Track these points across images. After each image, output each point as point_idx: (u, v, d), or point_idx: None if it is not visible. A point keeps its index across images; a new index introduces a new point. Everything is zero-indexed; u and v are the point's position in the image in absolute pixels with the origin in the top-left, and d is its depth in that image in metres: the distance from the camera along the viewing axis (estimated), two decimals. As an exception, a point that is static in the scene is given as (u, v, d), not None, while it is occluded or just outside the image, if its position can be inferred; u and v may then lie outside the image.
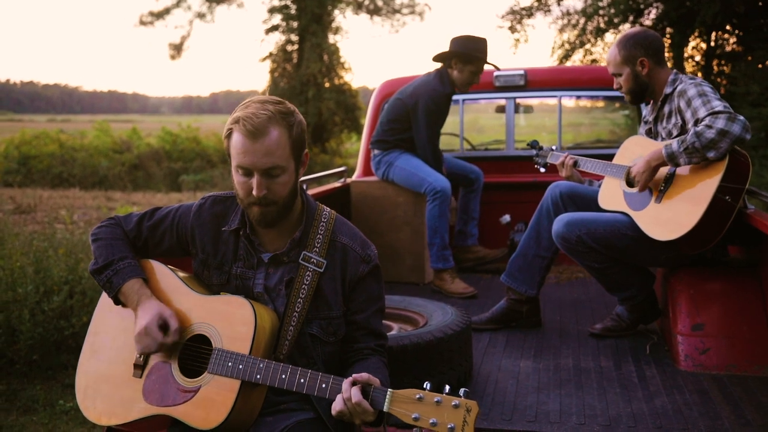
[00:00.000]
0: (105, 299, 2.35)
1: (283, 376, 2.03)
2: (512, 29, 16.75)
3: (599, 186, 3.91)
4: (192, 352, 2.20)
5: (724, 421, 2.81)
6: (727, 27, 14.00)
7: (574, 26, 15.82)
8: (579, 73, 6.56)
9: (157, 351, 2.18)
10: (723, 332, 3.44)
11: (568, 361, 3.53)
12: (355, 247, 2.27)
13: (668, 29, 14.15)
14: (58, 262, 5.93)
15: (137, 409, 2.20)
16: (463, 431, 1.83)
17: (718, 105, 3.30)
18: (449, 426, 1.83)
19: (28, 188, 18.51)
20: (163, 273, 2.32)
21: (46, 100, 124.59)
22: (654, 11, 14.46)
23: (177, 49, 27.81)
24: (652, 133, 3.82)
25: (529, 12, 16.63)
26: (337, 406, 1.95)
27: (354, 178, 5.70)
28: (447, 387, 1.88)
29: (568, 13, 15.98)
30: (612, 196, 3.76)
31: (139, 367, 2.22)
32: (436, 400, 1.85)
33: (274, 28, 24.85)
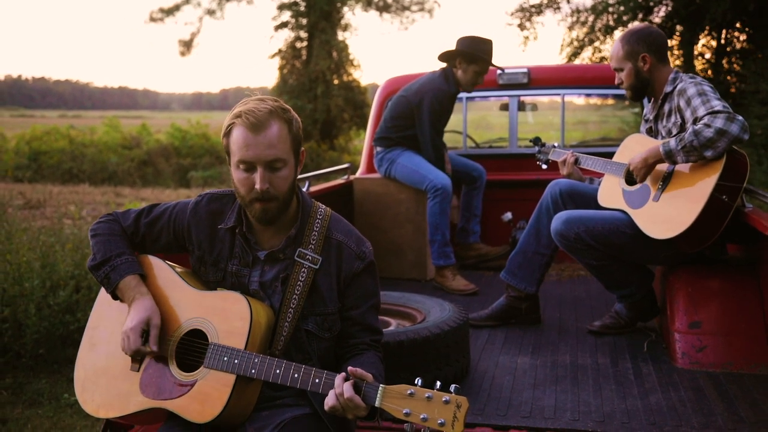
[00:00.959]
0: (104, 294, 2.38)
1: (278, 371, 2.07)
2: (521, 27, 16.73)
3: (599, 184, 3.93)
4: (189, 347, 2.24)
5: (718, 418, 2.83)
6: (737, 24, 13.94)
7: (584, 24, 15.78)
8: (582, 71, 6.58)
9: (134, 356, 2.23)
10: (720, 330, 3.45)
11: (565, 358, 3.56)
12: (350, 243, 2.29)
13: (678, 27, 14.11)
14: (64, 257, 5.98)
15: (134, 403, 2.23)
16: (453, 427, 1.85)
17: (717, 104, 3.32)
18: (439, 421, 1.86)
19: (39, 184, 18.62)
20: (161, 268, 2.35)
21: (57, 95, 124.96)
22: (663, 8, 14.43)
23: (186, 45, 27.86)
24: (652, 132, 3.84)
25: (538, 9, 16.60)
26: (329, 401, 1.97)
27: (357, 175, 5.73)
28: (438, 383, 1.91)
29: (578, 11, 15.95)
30: (611, 194, 3.77)
31: (137, 361, 2.25)
32: (426, 395, 1.88)
33: (284, 24, 24.87)
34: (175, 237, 2.36)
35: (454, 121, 5.58)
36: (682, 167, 3.44)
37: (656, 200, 3.51)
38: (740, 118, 3.23)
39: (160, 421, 2.26)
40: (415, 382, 1.92)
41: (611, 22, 14.96)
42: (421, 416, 1.87)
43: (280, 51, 24.89)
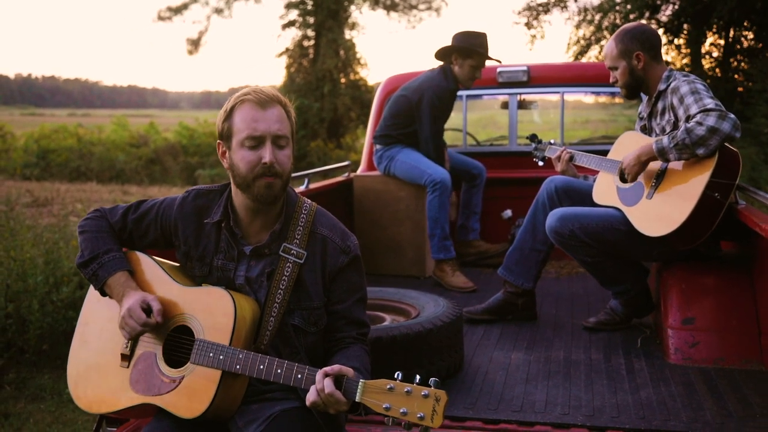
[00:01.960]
0: (94, 290, 2.41)
1: (261, 367, 2.09)
2: (528, 25, 16.68)
3: (594, 181, 3.94)
4: (176, 343, 2.26)
5: (707, 413, 2.84)
6: (745, 23, 13.88)
7: (590, 22, 15.74)
8: (582, 69, 6.58)
9: (142, 333, 2.23)
10: (713, 326, 3.47)
11: (559, 354, 3.57)
12: (334, 238, 2.32)
13: (685, 25, 14.06)
14: (68, 254, 6.04)
15: (125, 398, 2.26)
16: (432, 420, 1.88)
17: (709, 102, 3.33)
18: (419, 415, 1.88)
19: (47, 182, 18.72)
20: (148, 264, 2.37)
21: (66, 94, 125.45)
22: (671, 7, 14.37)
23: (194, 44, 27.90)
24: (646, 129, 3.85)
25: (545, 8, 16.57)
26: (310, 396, 2.00)
27: (357, 172, 5.76)
28: (417, 377, 1.93)
29: (585, 9, 15.91)
30: (606, 191, 3.79)
31: (126, 358, 2.28)
32: (406, 390, 1.90)
33: (291, 23, 24.87)
34: (162, 232, 2.38)
35: (454, 119, 5.60)
36: (675, 165, 3.46)
37: (650, 198, 3.52)
38: (732, 116, 3.24)
39: (152, 415, 2.28)
40: (395, 376, 1.94)
41: (618, 21, 14.91)
42: (401, 410, 1.89)
43: (287, 50, 24.90)
